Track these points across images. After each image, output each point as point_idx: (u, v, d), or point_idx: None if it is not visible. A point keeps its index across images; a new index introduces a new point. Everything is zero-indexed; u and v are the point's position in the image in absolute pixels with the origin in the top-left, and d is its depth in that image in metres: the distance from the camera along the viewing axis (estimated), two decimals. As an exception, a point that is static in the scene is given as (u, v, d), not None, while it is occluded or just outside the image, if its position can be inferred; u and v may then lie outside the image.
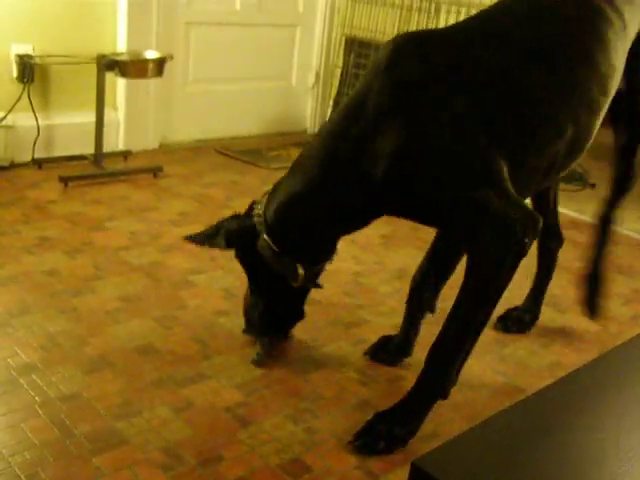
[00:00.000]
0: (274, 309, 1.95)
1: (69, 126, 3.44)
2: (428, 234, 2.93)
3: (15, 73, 3.19)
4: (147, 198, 3.05)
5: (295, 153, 4.06)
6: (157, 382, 1.80)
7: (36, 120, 3.26)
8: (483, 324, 1.66)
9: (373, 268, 2.58)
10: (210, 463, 1.55)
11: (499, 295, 1.63)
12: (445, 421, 1.77)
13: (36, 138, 3.28)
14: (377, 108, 1.63)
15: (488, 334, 2.19)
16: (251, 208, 1.90)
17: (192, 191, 3.20)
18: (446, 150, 1.59)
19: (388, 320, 2.21)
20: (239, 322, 2.11)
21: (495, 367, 2.03)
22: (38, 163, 3.27)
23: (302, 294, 1.95)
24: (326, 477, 1.54)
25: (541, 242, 2.23)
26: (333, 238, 1.85)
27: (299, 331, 2.09)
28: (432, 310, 1.99)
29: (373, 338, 2.08)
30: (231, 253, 2.55)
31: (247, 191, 3.27)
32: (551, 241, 2.25)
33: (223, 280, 2.37)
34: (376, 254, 2.70)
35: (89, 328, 2.00)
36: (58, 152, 3.39)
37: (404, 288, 2.39)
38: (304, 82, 4.48)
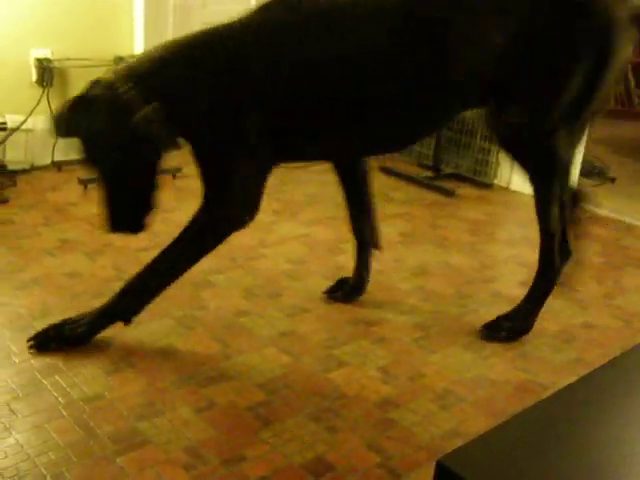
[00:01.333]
0: (133, 199, 1.90)
1: (88, 128, 3.45)
2: (447, 230, 2.93)
3: (34, 77, 3.21)
4: (166, 199, 3.04)
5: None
6: (178, 382, 1.81)
7: (55, 123, 3.28)
8: (174, 274, 1.92)
9: (392, 266, 2.58)
10: (233, 463, 1.55)
11: (194, 257, 1.92)
12: (467, 418, 1.77)
13: (55, 141, 3.30)
14: None
15: (509, 331, 2.18)
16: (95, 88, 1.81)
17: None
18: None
19: (408, 318, 2.21)
20: (260, 322, 2.12)
21: (517, 364, 2.02)
22: (58, 166, 3.30)
23: (153, 177, 1.91)
24: (349, 476, 1.54)
25: None
26: None
27: (319, 330, 2.09)
28: (375, 245, 2.33)
29: (394, 336, 2.08)
30: (253, 252, 2.59)
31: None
32: None
33: (243, 280, 2.38)
34: (395, 251, 2.69)
35: (110, 329, 2.01)
36: (77, 154, 3.40)
37: (424, 285, 2.39)
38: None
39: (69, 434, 1.59)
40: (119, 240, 2.60)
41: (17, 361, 1.85)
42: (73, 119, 1.82)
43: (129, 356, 1.90)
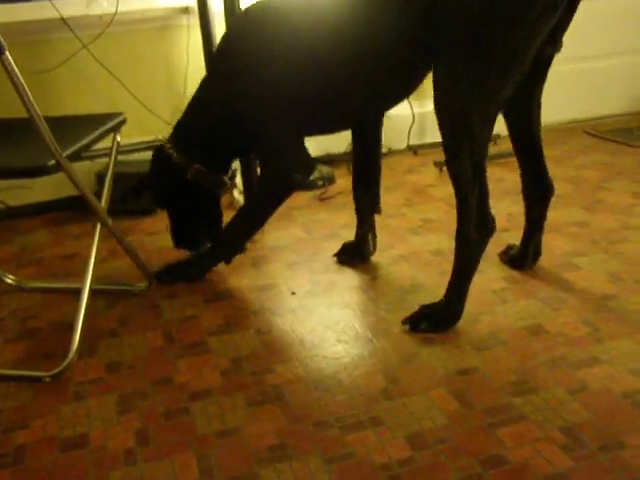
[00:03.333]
0: (203, 221, 2.37)
1: (440, 113, 3.55)
2: None
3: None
4: (519, 180, 3.04)
5: (674, 130, 3.78)
6: (549, 362, 1.80)
7: (411, 109, 3.43)
8: (254, 227, 2.30)
9: None
10: (611, 449, 1.51)
11: (267, 212, 2.23)
12: None
13: (411, 126, 3.46)
14: None
15: None
16: (159, 156, 2.29)
17: (566, 173, 3.13)
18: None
19: None
20: (629, 307, 2.03)
21: None
22: (413, 150, 3.45)
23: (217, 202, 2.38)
24: None
25: None
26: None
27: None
28: (377, 210, 2.42)
29: None
30: (616, 235, 2.49)
31: (623, 172, 3.12)
32: None
33: (608, 263, 2.29)
34: None
35: (478, 306, 2.07)
36: (430, 138, 3.53)
37: None
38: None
39: (447, 403, 1.67)
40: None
41: (395, 331, 1.98)
42: (144, 185, 2.34)
43: (498, 333, 1.94)
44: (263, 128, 2.11)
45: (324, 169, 3.20)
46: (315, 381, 1.78)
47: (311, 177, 3.04)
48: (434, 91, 1.84)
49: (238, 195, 2.94)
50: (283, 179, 2.14)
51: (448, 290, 1.99)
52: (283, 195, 2.18)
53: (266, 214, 2.24)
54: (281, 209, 2.22)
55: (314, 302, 2.17)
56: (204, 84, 2.23)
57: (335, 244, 2.52)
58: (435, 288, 2.17)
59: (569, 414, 1.62)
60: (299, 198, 3.00)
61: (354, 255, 2.41)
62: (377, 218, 2.44)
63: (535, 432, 1.57)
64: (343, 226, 2.70)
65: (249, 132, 2.14)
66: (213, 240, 2.38)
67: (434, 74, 1.85)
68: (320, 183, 3.10)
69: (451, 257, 2.36)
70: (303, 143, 2.17)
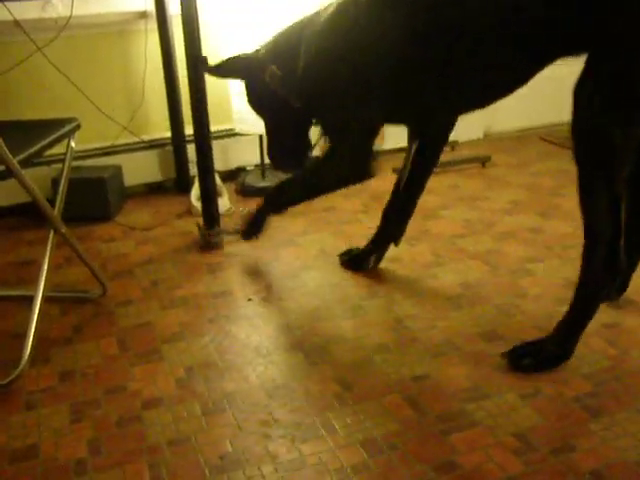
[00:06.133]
0: (288, 139, 2.23)
1: (399, 119, 3.57)
2: None
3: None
4: (477, 187, 3.08)
5: (626, 137, 3.84)
6: (503, 368, 1.82)
7: (370, 115, 3.45)
8: (299, 198, 2.30)
9: None
10: (562, 452, 1.53)
11: (315, 192, 2.23)
12: None
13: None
14: None
15: None
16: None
17: (521, 180, 3.17)
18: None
19: None
20: (582, 312, 2.06)
21: None
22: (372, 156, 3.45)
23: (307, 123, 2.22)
24: (692, 479, 1.45)
25: None
26: None
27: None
28: (397, 242, 2.37)
29: None
30: (569, 241, 2.52)
31: (578, 178, 3.17)
32: None
33: (562, 269, 2.33)
34: None
35: (433, 312, 2.08)
36: (390, 145, 3.54)
37: None
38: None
39: (401, 410, 1.67)
40: (434, 227, 2.68)
41: (349, 338, 1.98)
42: (231, 67, 2.18)
43: (452, 339, 1.95)
44: (346, 107, 1.97)
45: (281, 176, 3.18)
46: (269, 388, 1.78)
47: (268, 184, 3.04)
48: (576, 97, 1.66)
49: (195, 202, 2.92)
50: (344, 170, 2.08)
51: (562, 328, 1.83)
52: (338, 184, 2.17)
53: (317, 193, 2.25)
54: (237, 215, 2.22)
55: (270, 309, 2.16)
56: (329, 19, 1.94)
57: (292, 251, 2.52)
58: (390, 294, 2.18)
59: (521, 419, 1.64)
60: (255, 205, 2.98)
61: (354, 263, 2.39)
62: (335, 225, 2.44)
63: (487, 437, 1.58)
64: (300, 233, 2.70)
65: (327, 107, 2.01)
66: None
67: (586, 73, 1.66)
68: (279, 189, 3.09)
69: (407, 263, 2.39)
70: (375, 136, 2.05)
